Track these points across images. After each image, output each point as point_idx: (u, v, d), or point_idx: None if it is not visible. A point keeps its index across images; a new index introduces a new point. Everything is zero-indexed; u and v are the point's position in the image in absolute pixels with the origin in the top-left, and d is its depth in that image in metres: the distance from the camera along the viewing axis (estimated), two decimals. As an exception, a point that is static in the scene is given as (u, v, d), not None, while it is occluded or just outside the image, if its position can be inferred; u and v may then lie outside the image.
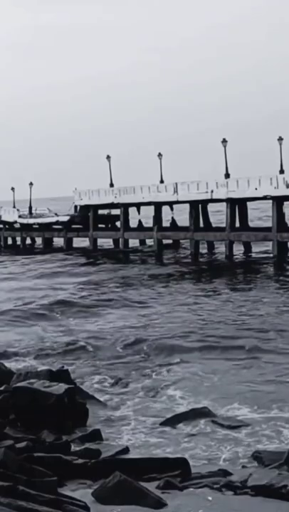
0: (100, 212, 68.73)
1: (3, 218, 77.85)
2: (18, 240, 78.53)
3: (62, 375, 16.67)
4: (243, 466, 12.59)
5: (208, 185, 55.08)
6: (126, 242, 63.51)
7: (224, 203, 54.56)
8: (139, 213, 66.74)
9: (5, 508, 8.34)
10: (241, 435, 14.66)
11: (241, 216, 56.83)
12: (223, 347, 23.62)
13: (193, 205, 57.00)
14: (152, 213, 61.00)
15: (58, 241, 72.93)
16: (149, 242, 62.70)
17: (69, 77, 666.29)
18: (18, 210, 77.00)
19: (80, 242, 70.10)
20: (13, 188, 79.11)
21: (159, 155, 61.65)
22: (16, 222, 77.07)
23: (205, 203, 58.77)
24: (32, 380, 15.42)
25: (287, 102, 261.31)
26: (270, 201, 51.03)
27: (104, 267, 52.62)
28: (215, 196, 54.86)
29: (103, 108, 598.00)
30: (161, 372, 20.70)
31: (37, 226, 74.66)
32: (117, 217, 66.76)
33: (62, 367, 18.94)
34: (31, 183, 76.02)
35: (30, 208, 75.68)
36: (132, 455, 13.01)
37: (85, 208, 67.86)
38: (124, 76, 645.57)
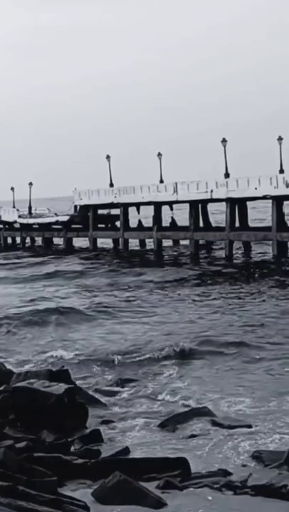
0: (100, 212, 68.73)
1: (3, 218, 77.80)
2: (18, 239, 78.57)
3: (62, 375, 16.65)
4: (243, 466, 12.59)
5: (208, 185, 55.03)
6: (126, 242, 63.51)
7: (224, 203, 54.56)
8: (138, 213, 66.73)
9: (5, 508, 8.35)
10: (241, 435, 14.65)
11: (241, 216, 56.82)
12: (224, 347, 23.59)
13: (193, 204, 57.00)
14: (152, 213, 61.01)
15: (58, 241, 72.97)
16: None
17: (69, 77, 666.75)
18: (17, 210, 77.00)
19: (80, 241, 70.13)
20: (12, 188, 79.17)
21: (159, 155, 61.63)
22: (15, 222, 77.08)
23: (205, 202, 58.78)
24: (32, 380, 15.40)
25: (287, 102, 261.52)
26: (268, 201, 51.08)
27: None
28: (215, 196, 54.83)
29: (103, 108, 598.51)
30: (161, 372, 20.69)
31: (37, 226, 74.66)
32: (116, 217, 66.73)
33: (63, 367, 18.94)
34: (31, 183, 76.05)
35: (30, 207, 75.69)
36: (132, 455, 13.01)
37: (85, 208, 67.84)
38: (124, 76, 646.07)
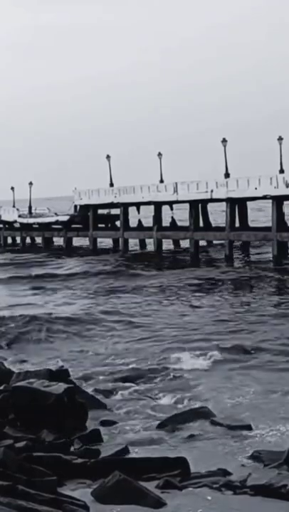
0: (100, 211, 68.72)
1: (3, 218, 77.79)
2: (18, 239, 78.58)
3: (61, 375, 16.68)
4: (243, 466, 12.59)
5: (208, 185, 55.01)
6: (126, 241, 63.52)
7: (224, 203, 54.56)
8: (138, 213, 66.73)
9: (5, 507, 8.36)
10: (241, 435, 14.66)
11: (241, 216, 56.75)
12: (223, 348, 23.58)
13: (193, 204, 57.00)
14: (152, 213, 60.99)
15: (58, 241, 72.96)
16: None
17: (69, 77, 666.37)
18: (17, 209, 77.00)
19: (80, 241, 70.11)
20: (12, 188, 79.15)
21: (159, 155, 61.61)
22: (15, 221, 77.09)
23: (205, 202, 58.75)
24: (31, 380, 15.41)
25: (287, 102, 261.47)
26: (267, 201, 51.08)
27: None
28: (215, 196, 54.81)
29: (103, 108, 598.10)
30: (161, 372, 20.68)
31: (37, 226, 74.66)
32: (116, 217, 66.72)
33: (62, 366, 18.95)
34: (31, 183, 76.05)
35: (30, 207, 75.68)
36: (132, 455, 13.02)
37: (85, 208, 67.83)
38: (124, 76, 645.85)
